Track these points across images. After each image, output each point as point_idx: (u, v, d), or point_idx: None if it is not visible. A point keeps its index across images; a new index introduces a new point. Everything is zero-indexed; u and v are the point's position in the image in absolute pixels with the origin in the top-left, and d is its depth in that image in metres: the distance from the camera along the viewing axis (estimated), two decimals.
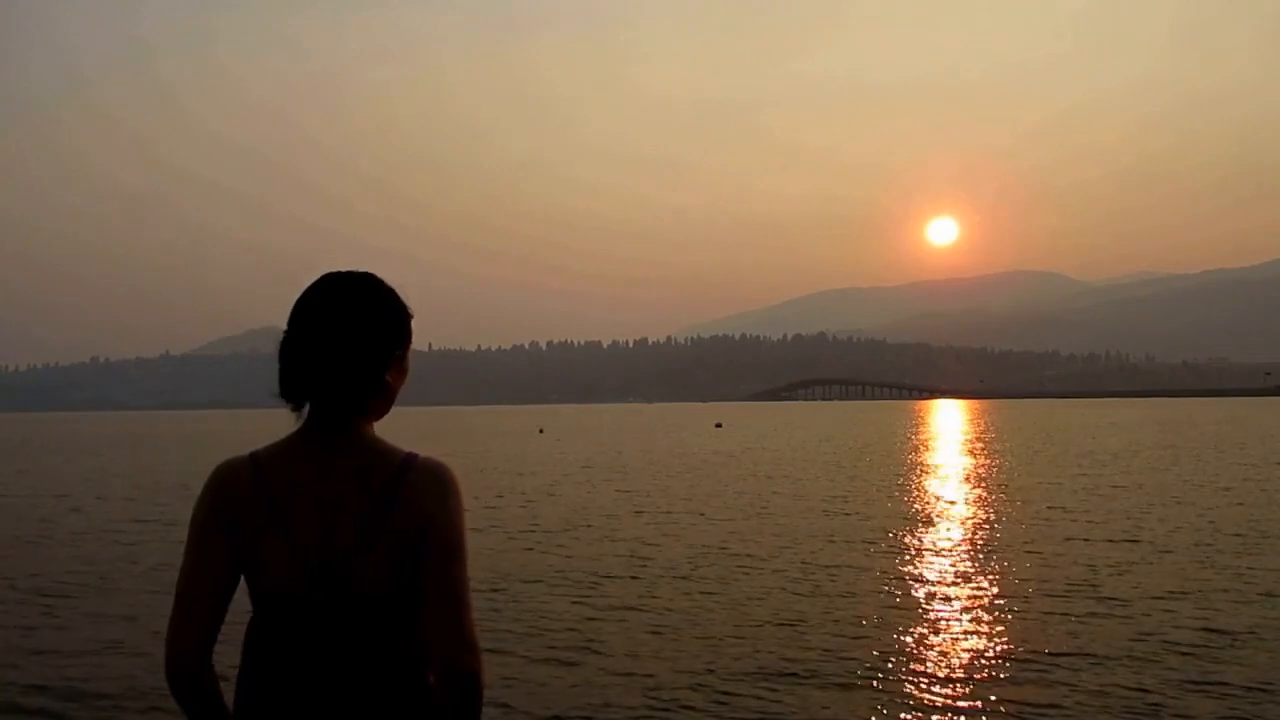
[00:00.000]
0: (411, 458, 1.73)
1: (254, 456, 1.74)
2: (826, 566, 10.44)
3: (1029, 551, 11.27)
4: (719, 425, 64.27)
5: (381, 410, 1.80)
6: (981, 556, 11.05)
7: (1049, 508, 15.48)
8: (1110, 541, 11.93)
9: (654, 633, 7.75)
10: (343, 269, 1.80)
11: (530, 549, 12.07)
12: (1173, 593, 8.82)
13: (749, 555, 11.31)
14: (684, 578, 9.98)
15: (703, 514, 15.53)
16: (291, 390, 1.72)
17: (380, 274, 1.80)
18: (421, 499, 1.69)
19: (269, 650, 1.71)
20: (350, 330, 1.71)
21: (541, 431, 58.99)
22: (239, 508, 1.69)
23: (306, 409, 1.74)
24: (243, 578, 1.72)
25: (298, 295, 1.78)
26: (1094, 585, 9.18)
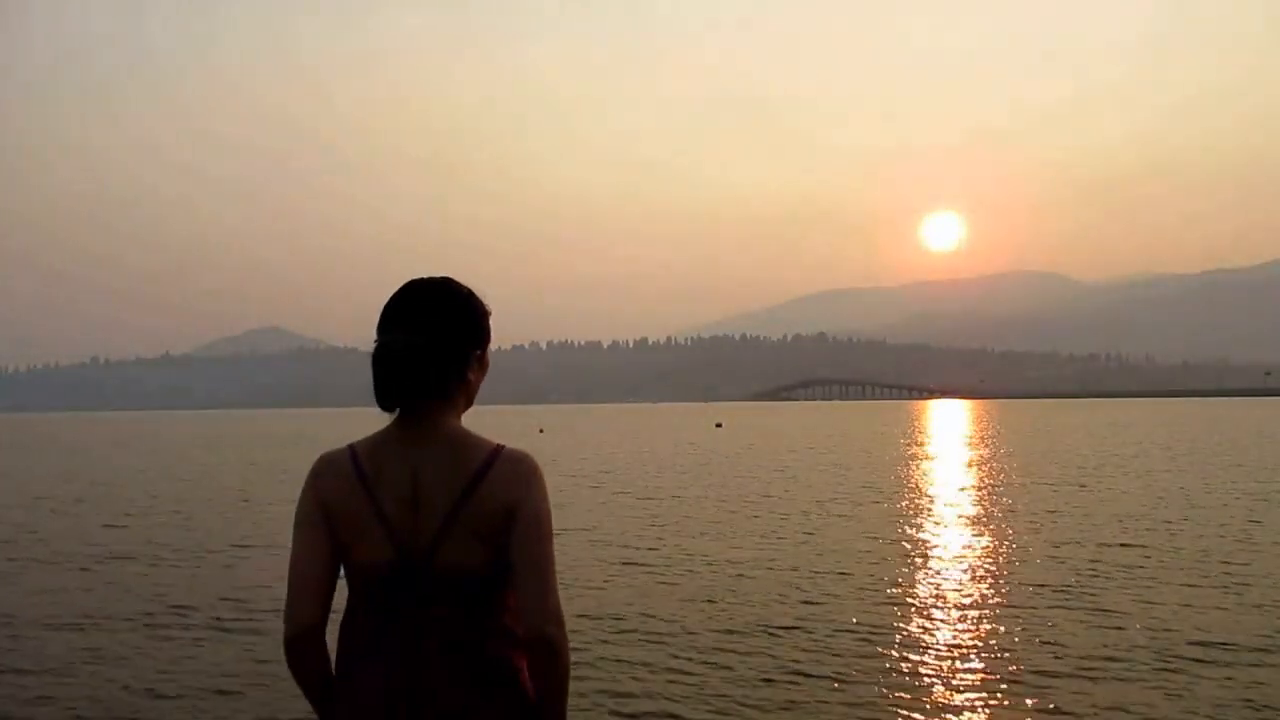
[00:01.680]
0: (499, 448, 1.88)
1: (352, 448, 1.90)
2: (820, 572, 10.38)
3: (1025, 556, 11.24)
4: (719, 425, 64.24)
5: (465, 405, 1.98)
6: (977, 562, 11.02)
7: (1047, 511, 15.45)
8: (1107, 546, 11.89)
9: (643, 638, 7.60)
10: (423, 275, 1.97)
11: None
12: (1170, 601, 8.73)
13: (743, 559, 11.28)
14: (672, 584, 9.90)
15: (698, 516, 15.54)
16: (385, 397, 1.86)
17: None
18: (507, 485, 1.84)
19: (363, 627, 1.87)
20: (432, 334, 1.86)
21: (541, 431, 58.95)
22: (337, 495, 1.86)
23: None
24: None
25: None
26: (1091, 591, 9.09)
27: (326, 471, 1.89)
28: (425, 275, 1.97)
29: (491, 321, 2.01)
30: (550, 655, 1.82)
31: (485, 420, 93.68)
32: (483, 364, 1.99)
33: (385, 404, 1.86)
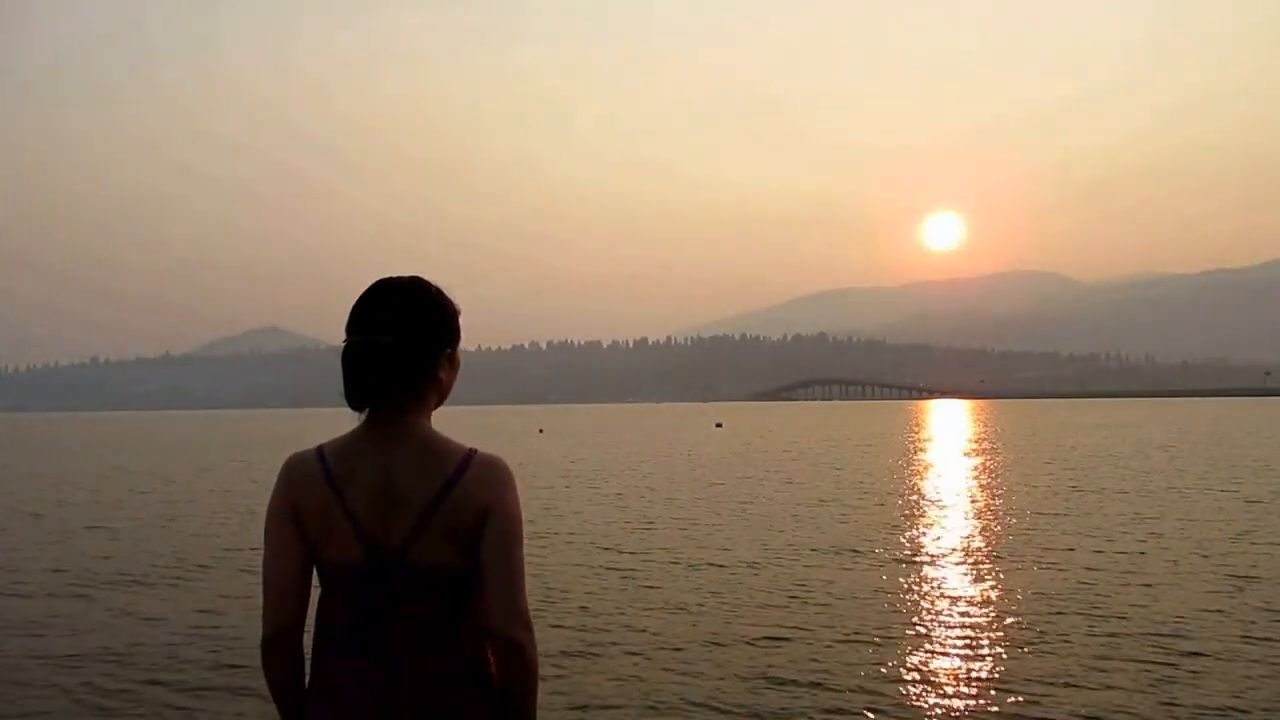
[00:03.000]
0: (472, 452, 1.88)
1: (320, 449, 1.90)
2: (814, 577, 10.19)
3: (1022, 561, 11.06)
4: (719, 425, 64.16)
5: (436, 403, 1.96)
6: (972, 568, 10.81)
7: (1046, 514, 15.28)
8: (1105, 551, 11.72)
9: (624, 645, 7.44)
10: (392, 275, 1.96)
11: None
12: (1167, 606, 8.55)
13: (733, 564, 11.08)
14: (658, 589, 9.76)
15: (692, 519, 15.37)
16: (354, 397, 1.85)
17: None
18: (481, 489, 1.84)
19: (336, 627, 1.87)
20: (401, 333, 1.85)
21: (541, 431, 58.84)
22: (306, 496, 1.86)
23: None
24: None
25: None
26: (1087, 596, 8.91)
27: (294, 472, 1.89)
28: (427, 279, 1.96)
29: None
30: (518, 659, 1.83)
31: (485, 420, 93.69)
32: (454, 363, 1.98)
33: (354, 404, 1.86)
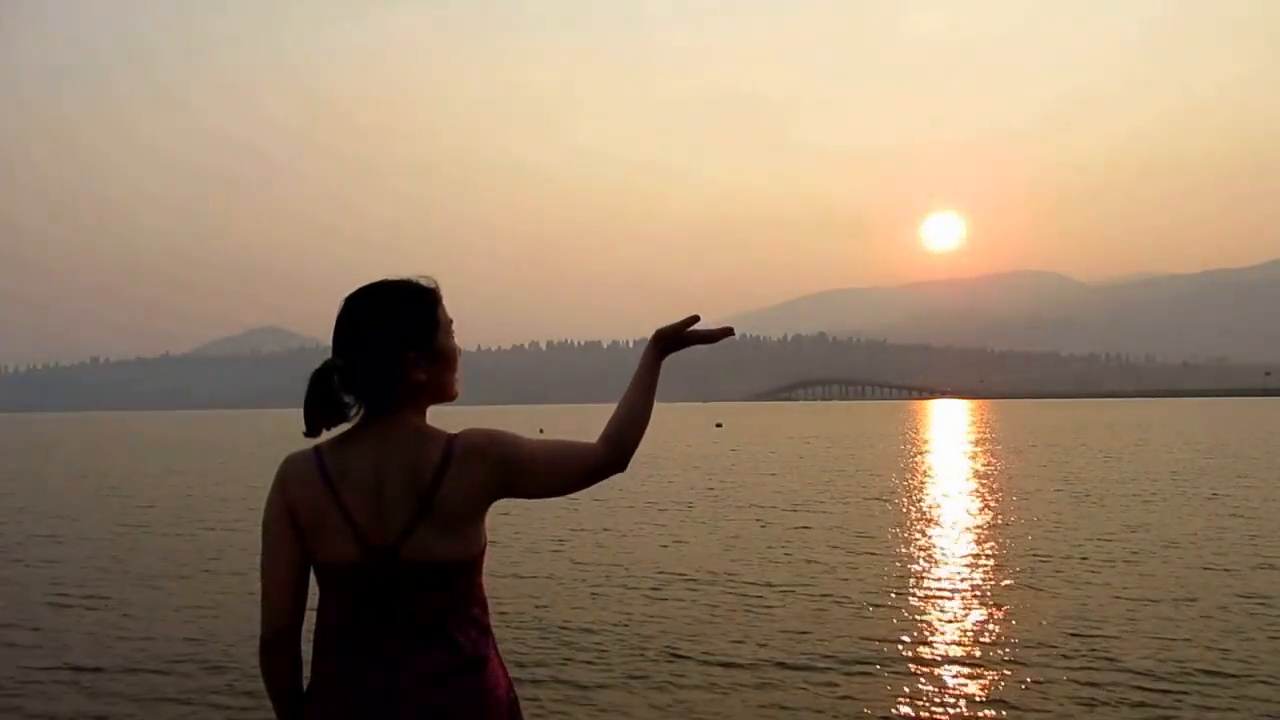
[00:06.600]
0: (454, 437, 1.89)
1: (318, 448, 1.91)
2: (801, 584, 10.14)
3: (1017, 569, 10.99)
4: (719, 425, 64.12)
5: (428, 399, 1.96)
6: (963, 576, 10.69)
7: (1043, 521, 15.21)
8: (1102, 559, 11.66)
9: (607, 655, 7.25)
10: (362, 284, 1.94)
11: (509, 556, 11.92)
12: (1167, 618, 8.38)
13: (724, 570, 11.02)
14: (637, 591, 9.72)
15: (687, 521, 15.35)
16: (306, 423, 1.89)
17: (390, 275, 1.93)
18: (470, 465, 1.86)
19: (334, 627, 1.88)
20: (350, 354, 1.88)
21: (542, 432, 58.76)
22: (302, 496, 1.87)
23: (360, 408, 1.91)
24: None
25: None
26: (1083, 612, 8.63)
27: (291, 473, 1.90)
28: (397, 278, 1.94)
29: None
30: (623, 447, 1.96)
31: (485, 421, 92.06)
32: (433, 356, 1.93)
33: (306, 431, 1.89)
